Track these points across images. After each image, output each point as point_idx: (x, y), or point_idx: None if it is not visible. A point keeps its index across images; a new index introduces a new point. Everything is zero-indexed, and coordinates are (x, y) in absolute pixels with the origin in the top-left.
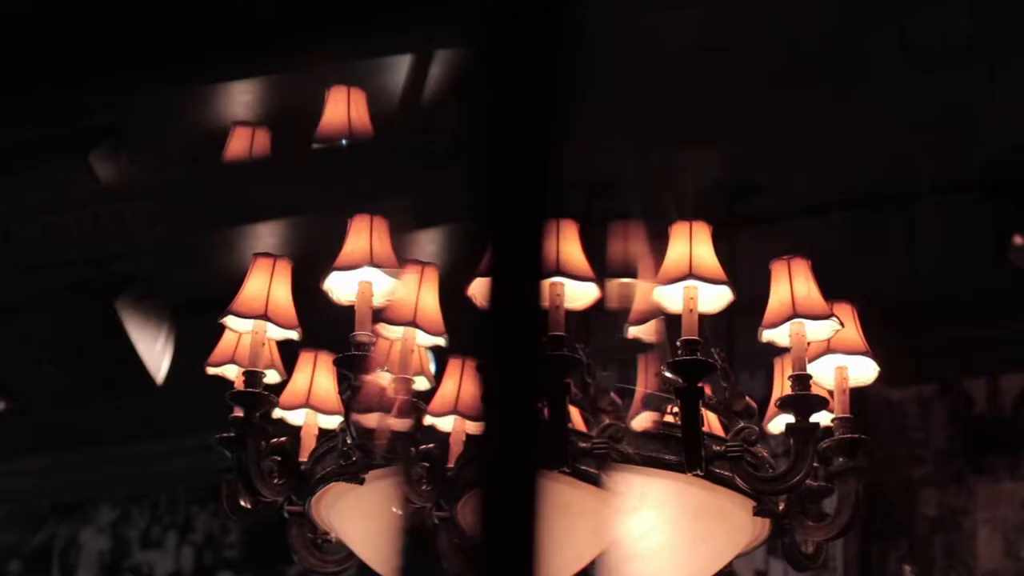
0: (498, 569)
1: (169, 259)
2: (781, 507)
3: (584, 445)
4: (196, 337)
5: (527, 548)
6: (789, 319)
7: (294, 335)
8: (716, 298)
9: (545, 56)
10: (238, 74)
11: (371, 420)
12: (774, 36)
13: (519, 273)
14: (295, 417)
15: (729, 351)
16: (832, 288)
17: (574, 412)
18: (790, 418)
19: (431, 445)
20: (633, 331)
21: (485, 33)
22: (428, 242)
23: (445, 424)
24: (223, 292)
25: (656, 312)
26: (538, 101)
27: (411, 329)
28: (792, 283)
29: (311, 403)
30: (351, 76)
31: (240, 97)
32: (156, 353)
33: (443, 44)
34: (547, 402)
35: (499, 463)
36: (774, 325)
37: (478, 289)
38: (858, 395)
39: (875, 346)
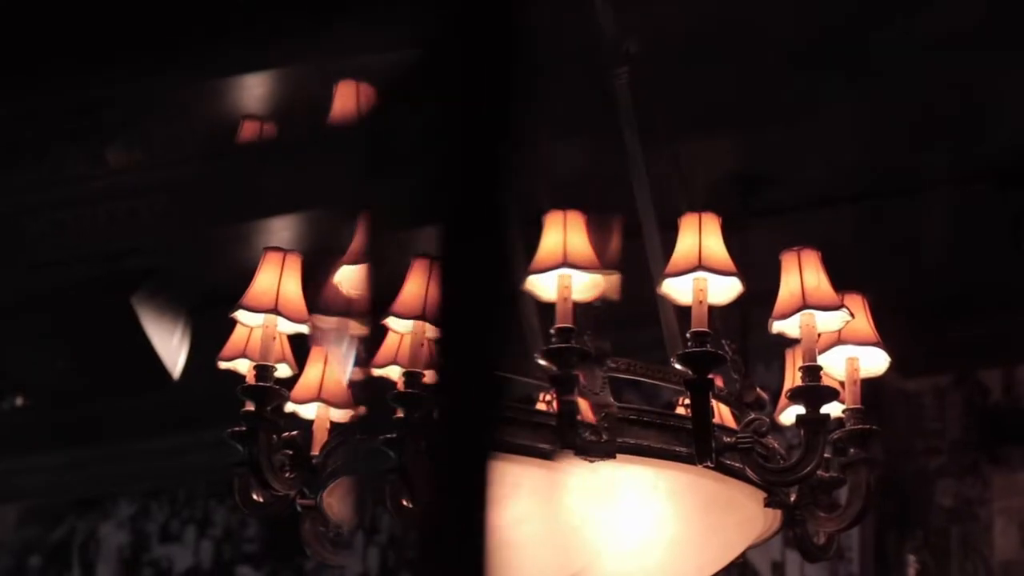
0: (445, 553)
1: (184, 254)
2: (792, 498)
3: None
4: (214, 331)
5: (476, 529)
6: (799, 310)
7: (305, 329)
8: (726, 290)
9: (503, 55)
10: (249, 67)
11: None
12: (784, 28)
13: (477, 267)
14: (307, 411)
15: (744, 343)
16: (848, 279)
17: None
18: (801, 409)
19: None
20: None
21: (444, 30)
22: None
23: None
24: (241, 286)
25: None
26: (496, 101)
27: (420, 322)
28: (802, 274)
29: (323, 397)
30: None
31: (252, 90)
32: (172, 348)
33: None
34: (556, 393)
35: (453, 445)
36: (784, 316)
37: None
38: (874, 386)
39: (890, 337)
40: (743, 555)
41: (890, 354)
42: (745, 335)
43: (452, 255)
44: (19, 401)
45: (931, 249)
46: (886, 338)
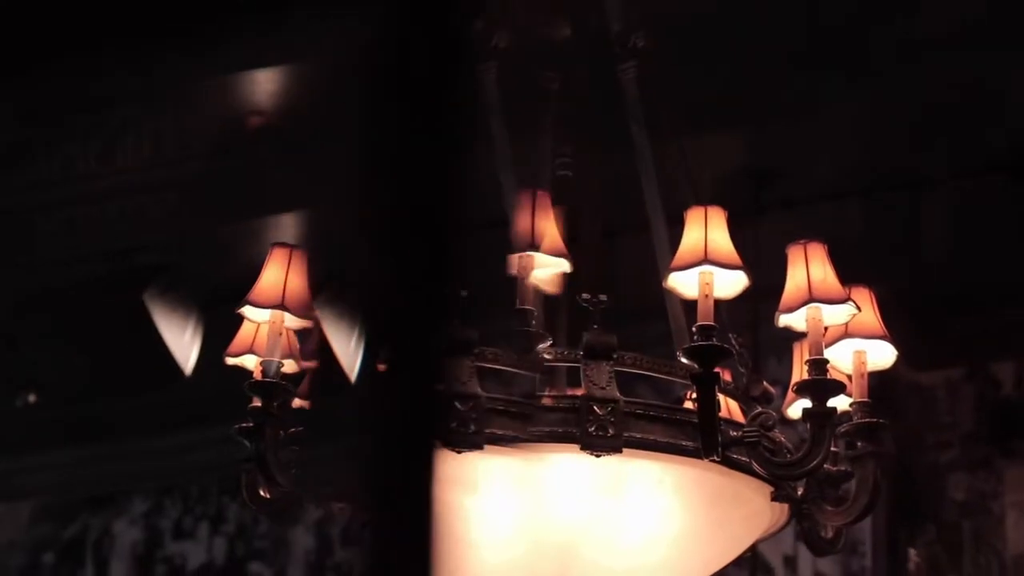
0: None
1: (192, 250)
2: (799, 492)
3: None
4: (225, 327)
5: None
6: (806, 303)
7: (311, 324)
8: (732, 283)
9: (448, 61)
10: (256, 63)
11: None
12: (792, 21)
13: (425, 272)
14: None
15: (755, 336)
16: (860, 273)
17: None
18: (808, 403)
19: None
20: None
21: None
22: None
23: None
24: (248, 282)
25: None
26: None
27: None
28: (808, 267)
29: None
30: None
31: (259, 86)
32: (183, 344)
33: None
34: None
35: (397, 439)
36: (791, 310)
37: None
38: (886, 379)
39: (903, 330)
40: (751, 549)
41: (897, 347)
42: (756, 329)
43: (396, 253)
44: (32, 399)
45: (939, 244)
46: (894, 332)
